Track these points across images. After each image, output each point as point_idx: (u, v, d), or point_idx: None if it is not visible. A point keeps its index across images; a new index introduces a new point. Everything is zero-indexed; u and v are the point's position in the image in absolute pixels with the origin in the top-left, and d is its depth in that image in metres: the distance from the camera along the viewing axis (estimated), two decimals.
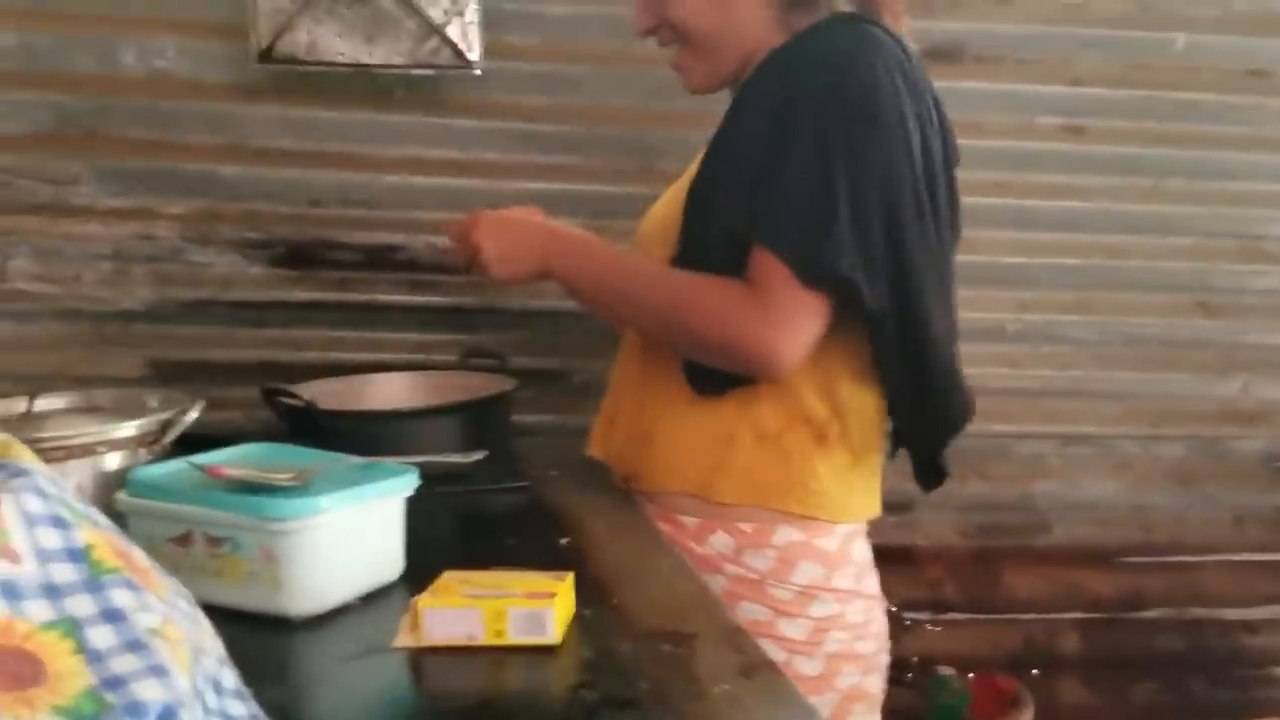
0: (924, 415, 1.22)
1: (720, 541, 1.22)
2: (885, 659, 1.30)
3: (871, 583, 1.28)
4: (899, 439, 1.28)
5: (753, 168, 1.15)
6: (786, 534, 1.21)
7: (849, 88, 1.12)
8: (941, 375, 1.19)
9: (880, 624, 1.29)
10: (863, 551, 1.28)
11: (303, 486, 0.89)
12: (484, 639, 0.82)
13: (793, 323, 1.13)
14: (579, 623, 0.88)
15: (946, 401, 1.21)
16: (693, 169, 1.31)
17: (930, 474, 1.31)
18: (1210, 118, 1.98)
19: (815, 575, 1.21)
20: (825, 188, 1.10)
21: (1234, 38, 1.96)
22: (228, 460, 0.97)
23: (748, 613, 1.19)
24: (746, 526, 1.21)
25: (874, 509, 1.30)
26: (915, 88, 1.16)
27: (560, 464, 1.44)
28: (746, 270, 1.14)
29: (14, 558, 0.54)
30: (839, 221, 1.10)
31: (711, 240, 1.18)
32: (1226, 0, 1.95)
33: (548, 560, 0.96)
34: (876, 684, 1.28)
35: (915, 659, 2.04)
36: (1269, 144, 1.99)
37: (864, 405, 1.24)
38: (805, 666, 1.20)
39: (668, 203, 1.34)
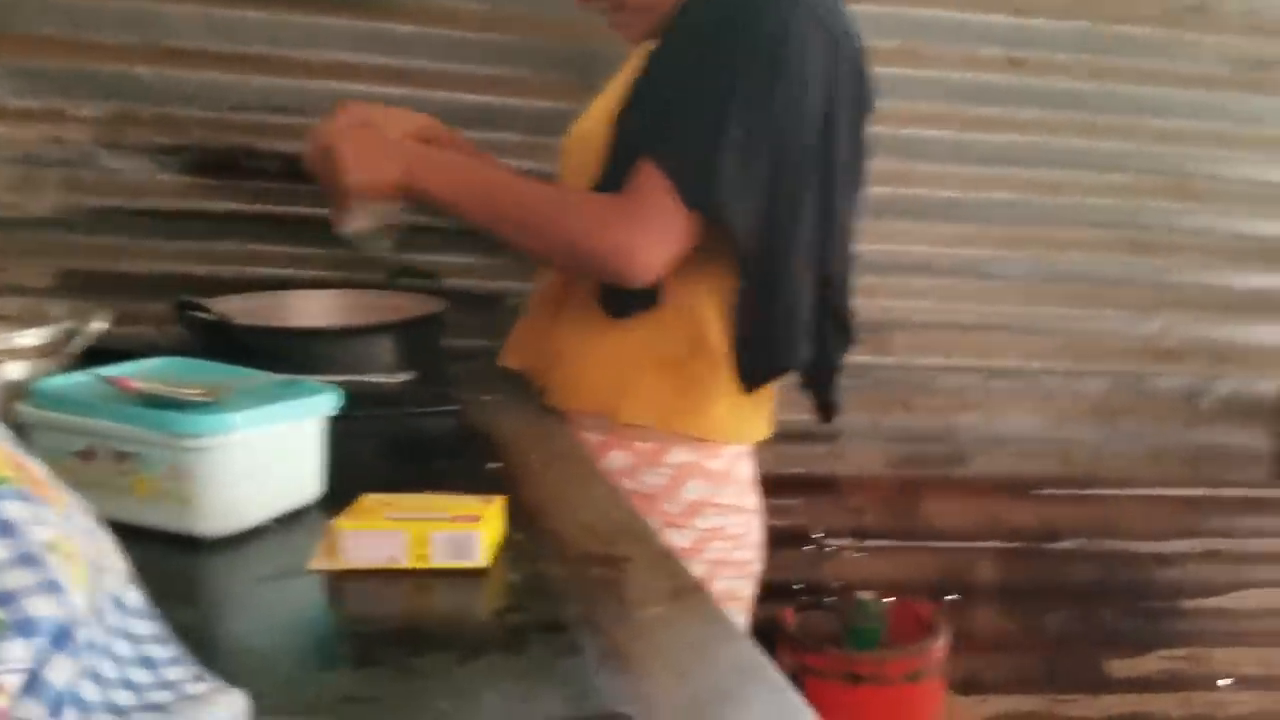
0: (756, 348, 1.29)
1: (619, 459, 1.30)
2: (758, 567, 1.40)
3: (752, 499, 1.38)
4: (737, 364, 1.31)
5: (666, 93, 1.22)
6: (679, 454, 1.29)
7: (761, 35, 1.17)
8: (783, 316, 1.26)
9: (757, 535, 1.38)
10: (746, 470, 1.37)
11: (215, 402, 0.85)
12: (407, 563, 0.79)
13: (659, 233, 1.19)
14: (509, 547, 0.86)
15: (778, 342, 1.28)
16: (613, 87, 1.35)
17: (825, 407, 1.40)
18: (1149, 52, 1.98)
19: (703, 492, 1.30)
20: (721, 122, 1.17)
21: None
22: (137, 373, 0.92)
23: None
24: (643, 446, 1.30)
25: (763, 432, 1.39)
26: (832, 38, 1.22)
27: (493, 389, 1.41)
28: (627, 179, 1.20)
29: None
30: (727, 156, 1.16)
31: (629, 170, 1.22)
32: None
33: (476, 485, 0.93)
34: (748, 588, 1.39)
35: (837, 584, 2.07)
36: (1206, 81, 2.00)
37: None
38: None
39: (595, 118, 1.36)
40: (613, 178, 1.24)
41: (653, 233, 1.18)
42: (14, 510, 0.52)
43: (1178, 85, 2.00)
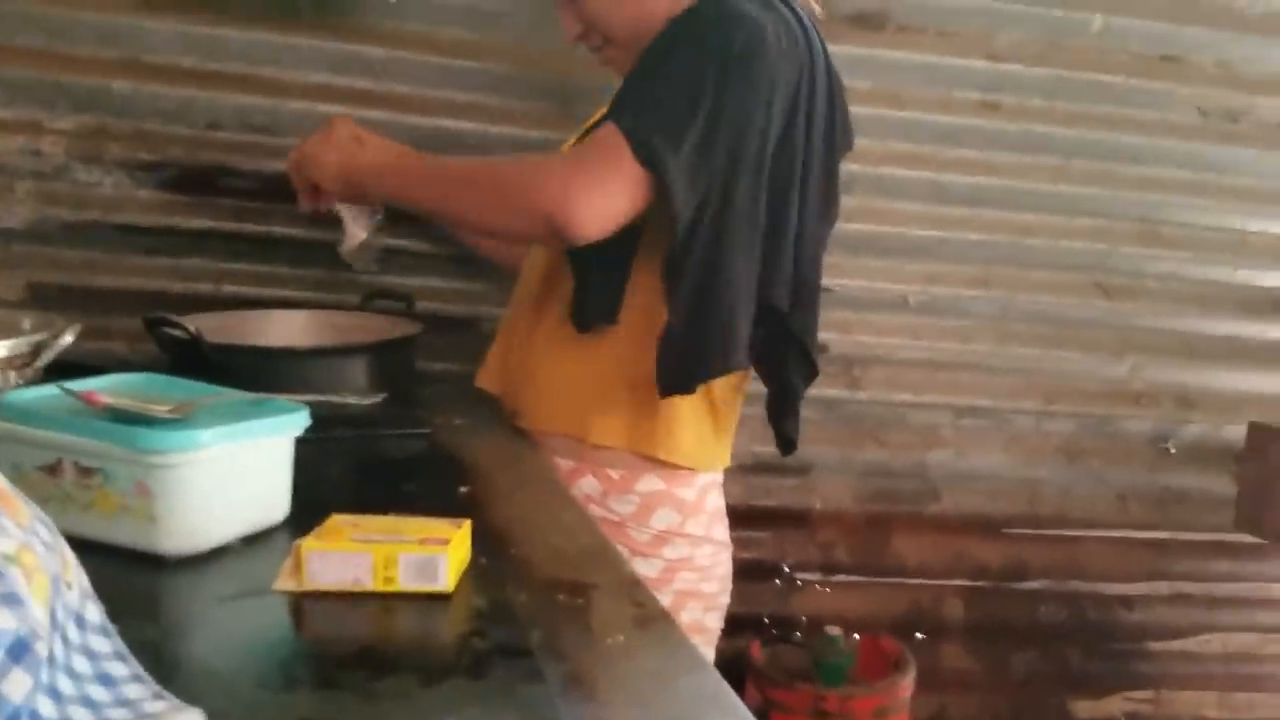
0: (687, 347, 1.25)
1: (589, 485, 1.30)
2: (725, 600, 1.40)
3: (720, 530, 1.38)
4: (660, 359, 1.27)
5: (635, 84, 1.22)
6: (650, 482, 1.30)
7: (737, 40, 1.17)
8: (717, 320, 1.23)
9: (725, 568, 1.38)
10: (715, 502, 1.38)
11: (183, 419, 0.84)
12: (372, 585, 0.79)
13: (600, 181, 1.15)
14: (475, 571, 0.85)
15: (711, 346, 1.24)
16: (597, 118, 1.33)
17: (784, 440, 1.39)
18: (1121, 100, 2.01)
19: (671, 521, 1.31)
20: (690, 109, 1.15)
21: (1149, 22, 1.99)
22: (105, 387, 0.91)
23: None
24: (614, 473, 1.30)
25: (724, 460, 1.39)
26: (805, 65, 1.23)
27: (466, 412, 1.40)
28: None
29: None
30: (687, 138, 1.15)
31: None
32: None
33: (445, 508, 0.92)
34: (715, 621, 1.38)
35: (805, 618, 2.06)
36: (1176, 130, 2.04)
37: None
38: None
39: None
40: None
41: (593, 180, 1.14)
42: None
43: (1149, 133, 2.03)
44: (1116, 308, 2.10)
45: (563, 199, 1.13)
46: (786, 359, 1.33)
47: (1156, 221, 2.08)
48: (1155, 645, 2.23)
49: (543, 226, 1.16)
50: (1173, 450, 2.17)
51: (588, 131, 1.25)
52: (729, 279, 1.23)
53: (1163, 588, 2.22)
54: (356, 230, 1.38)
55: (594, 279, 1.22)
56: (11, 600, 0.49)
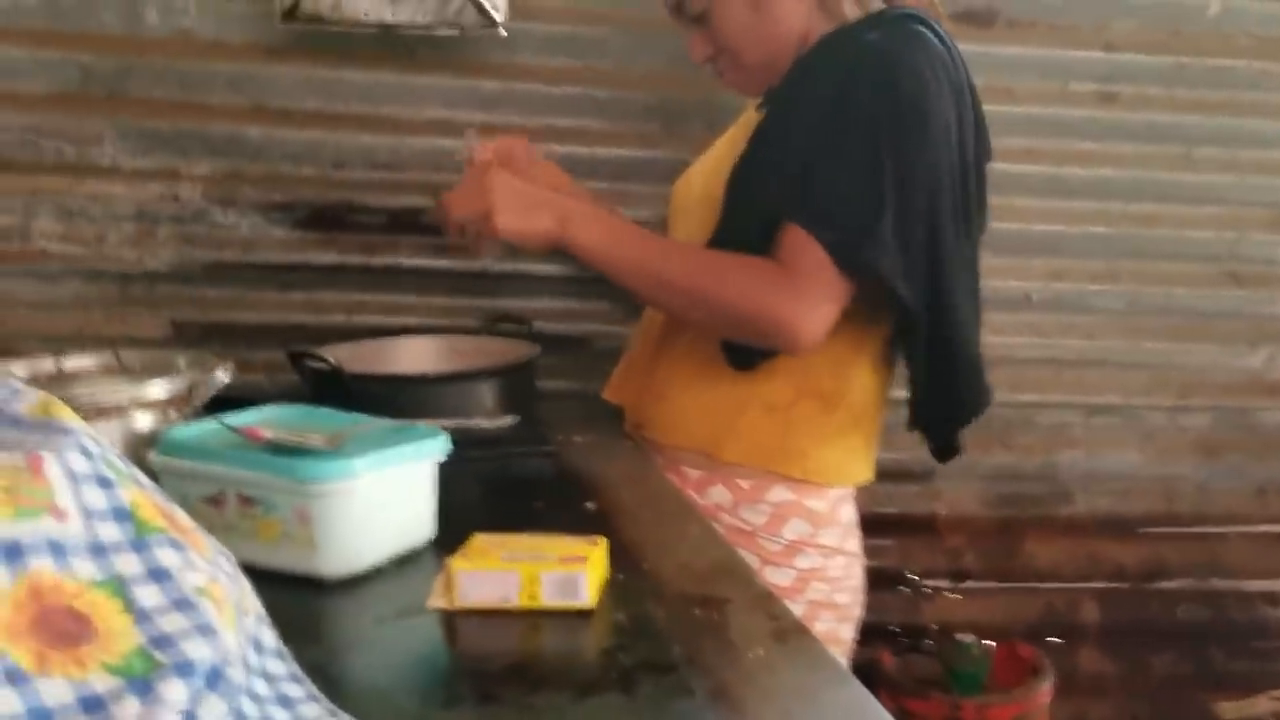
0: (948, 402, 1.31)
1: (719, 494, 1.31)
2: (859, 611, 1.40)
3: (853, 542, 1.38)
4: (919, 422, 1.34)
5: (802, 156, 1.20)
6: (780, 493, 1.30)
7: (901, 90, 1.17)
8: (966, 367, 1.28)
9: (858, 579, 1.38)
10: (849, 513, 1.37)
11: (337, 448, 0.89)
12: (518, 602, 0.82)
13: (820, 304, 1.19)
14: (611, 587, 0.88)
15: (970, 391, 1.30)
16: (730, 138, 1.34)
17: (946, 450, 1.39)
18: (1243, 85, 1.95)
19: (803, 531, 1.31)
20: (874, 185, 1.16)
21: (1268, 3, 1.92)
22: (260, 421, 0.97)
23: None
24: (744, 483, 1.31)
25: (866, 474, 1.39)
26: (958, 87, 1.22)
27: (585, 430, 1.44)
28: (777, 249, 1.19)
29: (61, 516, 0.54)
30: (884, 220, 1.15)
31: (752, 225, 1.23)
32: None
33: (575, 525, 0.96)
34: (849, 632, 1.38)
35: (935, 626, 2.04)
36: None
37: (869, 383, 1.33)
38: None
39: (708, 175, 1.37)
40: (731, 233, 1.25)
41: (812, 306, 1.18)
42: (167, 558, 0.56)
43: (1272, 116, 1.96)
44: (1249, 296, 2.03)
45: (787, 325, 1.18)
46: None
47: None
48: None
49: (766, 343, 1.23)
50: None
51: (732, 210, 1.25)
52: (959, 325, 1.26)
53: None
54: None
55: None
56: (206, 630, 0.54)
